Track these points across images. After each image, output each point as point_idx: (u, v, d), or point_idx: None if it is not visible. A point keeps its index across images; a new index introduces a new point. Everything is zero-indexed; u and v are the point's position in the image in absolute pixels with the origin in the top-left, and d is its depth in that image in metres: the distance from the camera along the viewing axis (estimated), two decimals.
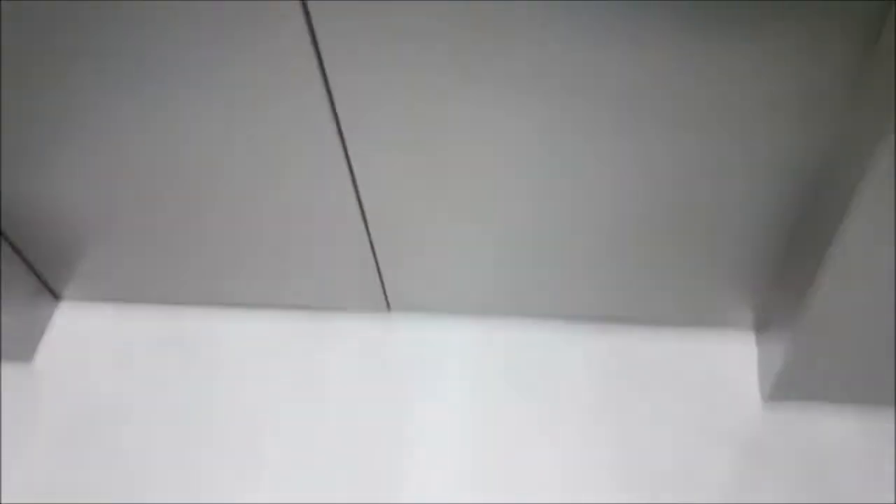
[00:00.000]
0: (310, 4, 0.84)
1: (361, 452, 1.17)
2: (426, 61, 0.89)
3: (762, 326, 1.18)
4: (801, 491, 1.07)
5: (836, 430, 1.11)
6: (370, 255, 1.19)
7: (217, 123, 1.00)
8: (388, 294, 1.27)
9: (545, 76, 0.89)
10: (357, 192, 1.08)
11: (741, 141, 0.93)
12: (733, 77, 0.86)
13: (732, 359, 1.19)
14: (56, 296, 1.39)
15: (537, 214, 1.08)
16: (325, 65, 0.91)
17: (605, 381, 1.19)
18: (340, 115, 0.97)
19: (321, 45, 0.89)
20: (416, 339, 1.27)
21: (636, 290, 1.19)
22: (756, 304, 1.17)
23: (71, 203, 1.17)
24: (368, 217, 1.12)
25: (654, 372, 1.19)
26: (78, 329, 1.36)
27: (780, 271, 1.09)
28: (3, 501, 1.20)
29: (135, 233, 1.21)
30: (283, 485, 1.16)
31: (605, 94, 0.90)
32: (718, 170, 0.98)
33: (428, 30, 0.86)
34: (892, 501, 1.03)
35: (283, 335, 1.30)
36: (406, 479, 1.14)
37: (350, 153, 1.02)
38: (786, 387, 1.11)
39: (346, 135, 1.00)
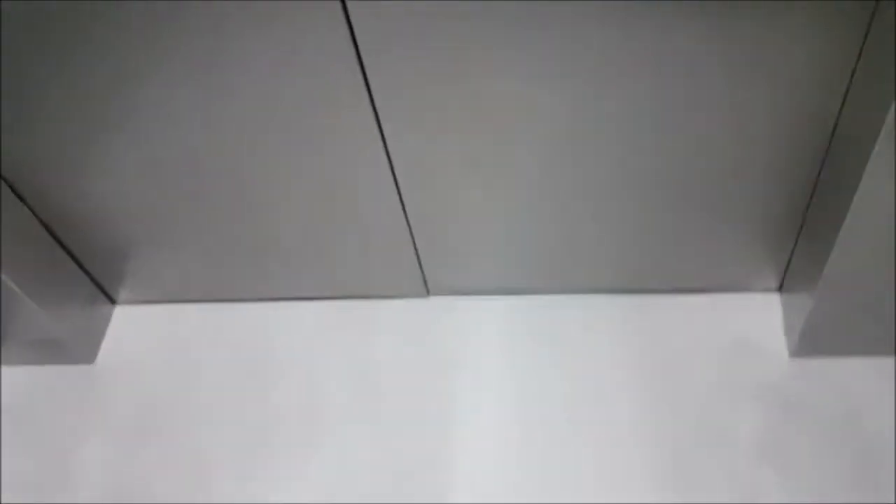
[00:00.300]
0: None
1: (411, 437, 1.23)
2: (460, 40, 0.93)
3: (786, 286, 1.23)
4: (832, 441, 1.12)
5: (862, 380, 1.16)
6: (409, 240, 1.25)
7: (259, 118, 1.05)
8: (428, 279, 1.33)
9: (575, 53, 0.93)
10: (395, 177, 1.14)
11: (762, 103, 0.97)
12: (754, 42, 0.90)
13: (758, 319, 1.24)
14: (112, 300, 1.46)
15: (568, 188, 1.13)
16: (362, 53, 0.95)
17: (638, 349, 1.25)
18: (376, 98, 1.01)
19: (356, 31, 0.92)
20: (457, 321, 1.33)
21: (662, 260, 1.24)
22: (779, 265, 1.22)
23: (120, 209, 1.23)
24: (406, 202, 1.18)
25: (684, 337, 1.25)
26: (135, 331, 1.43)
27: (801, 230, 1.14)
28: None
29: (183, 233, 1.28)
30: (339, 474, 1.21)
31: (631, 65, 0.94)
32: (739, 133, 1.02)
33: (463, 10, 0.89)
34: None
35: (330, 325, 1.36)
36: (454, 459, 1.20)
37: (386, 136, 1.07)
38: (811, 342, 1.16)
39: (382, 120, 1.04)
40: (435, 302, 1.36)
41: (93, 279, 1.40)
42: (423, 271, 1.31)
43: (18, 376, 1.39)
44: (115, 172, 1.16)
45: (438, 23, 0.91)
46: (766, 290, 1.26)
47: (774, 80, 0.94)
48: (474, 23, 0.91)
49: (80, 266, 1.37)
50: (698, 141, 1.04)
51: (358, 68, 0.97)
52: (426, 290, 1.36)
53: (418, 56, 0.95)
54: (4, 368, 1.41)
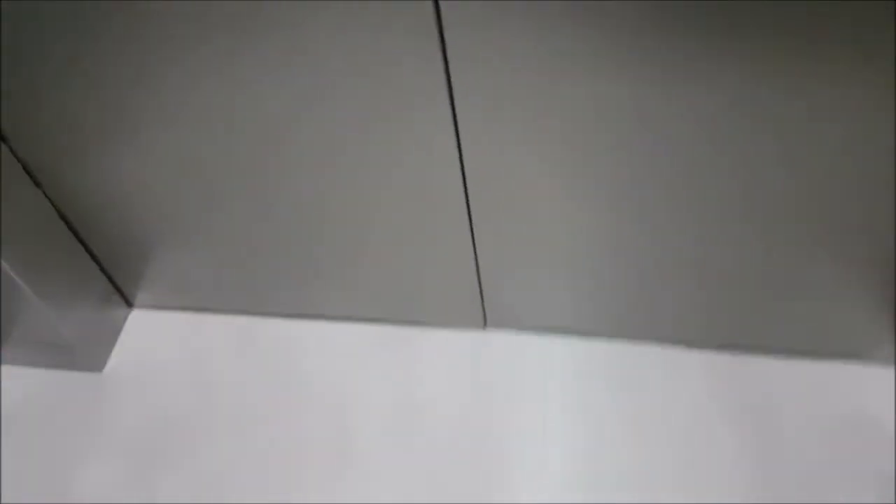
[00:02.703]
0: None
1: (450, 484, 1.08)
2: (555, 53, 0.80)
3: None
4: None
5: None
6: (472, 262, 1.10)
7: (311, 114, 0.92)
8: (487, 309, 1.17)
9: (668, 80, 0.81)
10: (466, 191, 1.00)
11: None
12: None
13: (872, 394, 1.08)
14: (128, 302, 1.31)
15: (659, 223, 0.98)
16: (449, 56, 0.83)
17: (729, 413, 1.09)
18: (457, 100, 0.88)
19: (446, 31, 0.80)
20: (516, 358, 1.18)
21: (762, 317, 1.08)
22: None
23: (145, 203, 1.10)
24: (475, 219, 1.03)
25: (786, 407, 1.08)
26: (150, 338, 1.29)
27: None
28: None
29: (214, 235, 1.14)
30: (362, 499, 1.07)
31: (749, 96, 0.80)
32: (872, 178, 0.87)
33: (553, 23, 0.78)
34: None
35: (370, 351, 1.22)
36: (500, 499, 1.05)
37: (462, 143, 0.94)
38: None
39: (460, 123, 0.91)
40: (492, 335, 1.20)
41: (109, 277, 1.25)
42: (482, 299, 1.16)
43: (18, 380, 1.25)
44: (143, 163, 1.04)
45: (530, 35, 0.79)
46: (885, 361, 1.10)
47: None
48: (571, 34, 0.78)
49: (97, 261, 1.22)
50: (830, 183, 0.88)
51: (443, 71, 0.85)
52: (483, 322, 1.20)
53: (509, 70, 0.83)
54: (4, 370, 1.26)
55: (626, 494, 1.03)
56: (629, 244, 1.02)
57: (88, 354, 1.23)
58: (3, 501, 1.14)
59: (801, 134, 0.83)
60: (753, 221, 0.95)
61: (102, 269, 1.24)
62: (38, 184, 1.09)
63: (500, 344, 1.19)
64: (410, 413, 1.14)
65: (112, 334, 1.28)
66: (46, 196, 1.11)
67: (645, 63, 0.79)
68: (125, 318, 1.31)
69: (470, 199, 1.00)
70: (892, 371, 1.10)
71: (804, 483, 1.02)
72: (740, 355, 1.13)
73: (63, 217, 1.14)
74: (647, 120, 0.85)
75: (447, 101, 0.88)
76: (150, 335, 1.29)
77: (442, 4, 0.77)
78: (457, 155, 0.95)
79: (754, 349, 1.13)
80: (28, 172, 1.07)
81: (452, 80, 0.86)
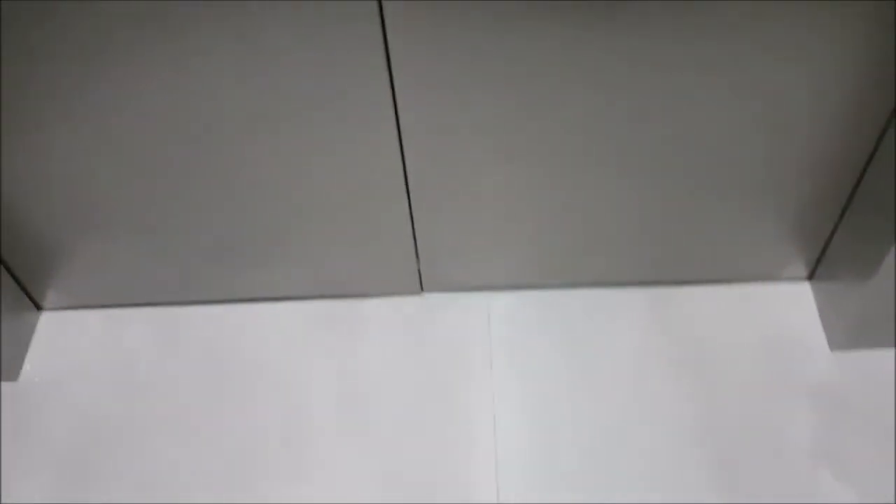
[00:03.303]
0: None
1: (408, 451, 1.08)
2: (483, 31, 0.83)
3: (820, 275, 1.15)
4: (884, 438, 1.05)
5: None
6: (410, 231, 1.10)
7: (225, 80, 0.89)
8: (423, 274, 1.18)
9: (585, 52, 0.86)
10: (404, 165, 1.00)
11: (802, 86, 0.90)
12: (793, 25, 0.83)
13: (791, 311, 1.16)
14: (37, 305, 1.23)
15: (583, 171, 1.02)
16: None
17: (666, 344, 1.14)
18: (395, 76, 0.89)
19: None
20: (456, 319, 1.18)
21: (684, 249, 1.14)
22: (810, 254, 1.14)
23: (52, 193, 1.04)
24: (412, 191, 1.04)
25: (716, 330, 1.15)
26: (66, 340, 1.21)
27: (842, 218, 1.07)
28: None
29: (128, 224, 1.09)
30: (330, 493, 1.05)
31: (659, 46, 0.86)
32: (774, 118, 0.94)
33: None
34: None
35: (310, 328, 1.19)
36: (456, 473, 1.06)
37: (401, 119, 0.94)
38: (858, 334, 1.08)
39: (398, 98, 0.92)
40: (431, 299, 1.21)
41: (16, 279, 1.17)
42: (419, 264, 1.16)
43: None
44: (50, 151, 0.98)
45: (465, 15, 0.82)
46: (795, 279, 1.18)
47: (818, 63, 0.88)
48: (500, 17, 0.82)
49: (2, 262, 1.13)
50: (728, 125, 0.95)
51: (380, 35, 0.85)
52: (420, 286, 1.20)
53: (442, 38, 0.85)
54: None
55: (578, 445, 1.07)
56: (554, 195, 1.06)
57: (0, 363, 1.15)
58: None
59: (699, 82, 0.90)
60: (664, 165, 1.01)
61: (9, 270, 1.15)
62: None
63: (440, 306, 1.20)
64: (358, 387, 1.13)
65: (23, 340, 1.20)
66: None
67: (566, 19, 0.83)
68: (35, 322, 1.22)
69: (407, 166, 1.00)
70: (806, 285, 1.19)
71: (743, 399, 1.09)
72: (667, 288, 1.19)
73: None
74: (568, 75, 0.89)
75: (384, 66, 0.88)
76: (65, 337, 1.21)
77: None
78: (394, 123, 0.94)
79: (679, 282, 1.19)
80: None
81: (390, 45, 0.85)
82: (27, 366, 1.18)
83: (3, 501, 1.06)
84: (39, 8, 0.81)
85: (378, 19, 0.82)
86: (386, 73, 0.88)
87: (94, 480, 1.08)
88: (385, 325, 1.19)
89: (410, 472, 1.06)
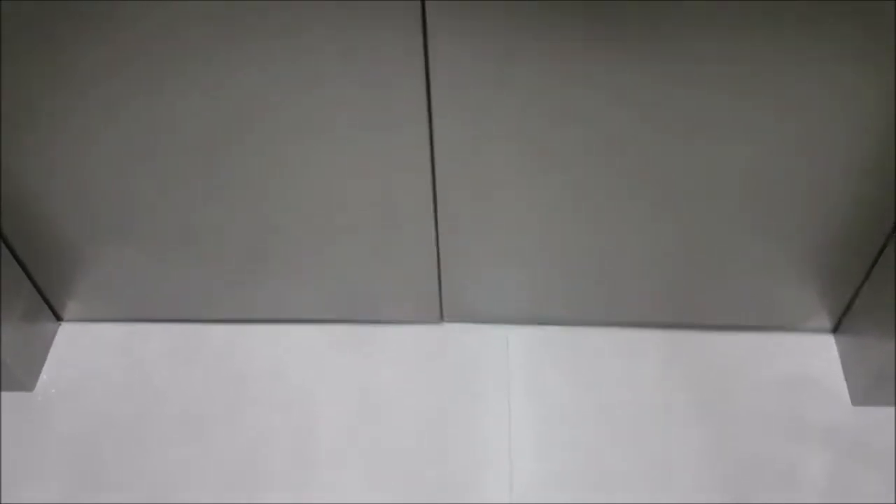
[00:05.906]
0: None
1: (416, 483, 1.07)
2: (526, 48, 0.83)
3: (846, 328, 1.15)
4: None
5: None
6: (435, 260, 1.09)
7: (263, 103, 0.90)
8: (444, 303, 1.17)
9: (617, 85, 0.86)
10: (434, 193, 1.00)
11: (840, 125, 0.88)
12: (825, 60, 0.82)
13: (813, 361, 1.15)
14: (57, 316, 1.23)
15: (610, 211, 1.02)
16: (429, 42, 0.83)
17: (684, 385, 1.13)
18: (434, 104, 0.89)
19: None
20: (475, 350, 1.18)
21: (707, 294, 1.14)
22: (837, 305, 1.13)
23: (76, 208, 1.04)
24: (440, 220, 1.04)
25: (735, 378, 1.14)
26: (83, 352, 1.21)
27: (872, 270, 1.06)
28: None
29: (149, 238, 1.09)
30: None
31: (686, 82, 0.85)
32: (808, 162, 0.93)
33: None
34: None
35: (324, 352, 1.19)
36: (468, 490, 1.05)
37: (435, 147, 0.94)
38: (880, 391, 1.07)
39: (434, 128, 0.92)
40: (450, 329, 1.20)
41: (37, 288, 1.17)
42: (441, 293, 1.15)
43: None
44: (75, 165, 0.98)
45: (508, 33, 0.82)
46: (819, 330, 1.17)
47: (860, 101, 0.86)
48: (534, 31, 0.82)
49: (26, 272, 1.13)
50: (756, 167, 0.95)
51: (422, 63, 0.85)
52: (440, 315, 1.20)
53: (482, 61, 0.85)
54: None
55: (594, 477, 1.06)
56: (581, 230, 1.05)
57: (17, 373, 1.15)
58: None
59: (751, 110, 0.88)
60: (694, 203, 1.00)
61: (30, 278, 1.15)
62: None
63: (459, 337, 1.19)
64: (372, 413, 1.13)
65: (41, 350, 1.20)
66: None
67: (600, 55, 0.83)
68: (55, 333, 1.22)
69: (437, 194, 1.00)
70: (830, 337, 1.18)
71: (759, 446, 1.08)
72: (688, 332, 1.18)
73: None
74: (603, 112, 0.89)
75: (423, 95, 0.88)
76: (82, 349, 1.21)
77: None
78: (428, 151, 0.95)
79: (701, 327, 1.18)
80: None
81: (431, 76, 0.86)
82: (44, 376, 1.18)
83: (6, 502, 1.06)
84: (75, 23, 0.82)
85: (420, 25, 0.82)
86: (423, 85, 0.88)
87: (107, 491, 1.07)
88: (403, 351, 1.18)
89: (423, 498, 1.05)
